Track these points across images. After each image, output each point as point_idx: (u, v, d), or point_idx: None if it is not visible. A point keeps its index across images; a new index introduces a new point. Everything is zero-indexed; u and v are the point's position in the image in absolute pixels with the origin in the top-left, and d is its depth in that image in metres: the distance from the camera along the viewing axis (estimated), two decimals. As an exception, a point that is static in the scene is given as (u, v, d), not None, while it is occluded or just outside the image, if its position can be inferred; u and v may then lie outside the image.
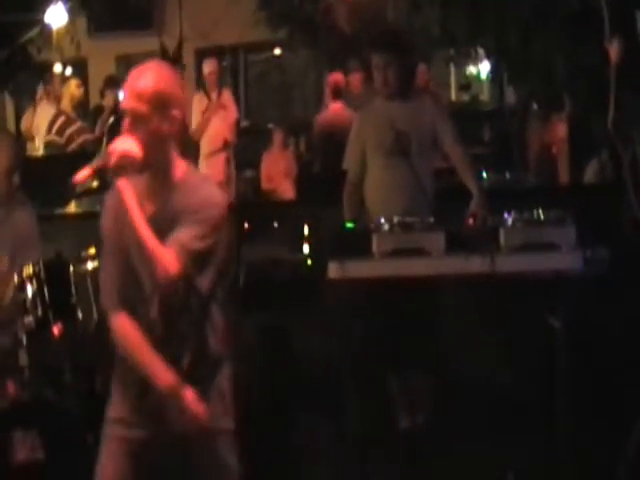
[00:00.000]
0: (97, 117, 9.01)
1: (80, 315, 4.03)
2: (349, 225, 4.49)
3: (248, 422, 2.88)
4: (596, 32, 4.27)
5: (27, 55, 6.29)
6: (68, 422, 3.92)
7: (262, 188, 8.99)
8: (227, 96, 9.17)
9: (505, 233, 4.20)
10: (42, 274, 4.01)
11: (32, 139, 8.95)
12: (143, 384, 2.71)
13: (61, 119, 8.29)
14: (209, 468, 2.75)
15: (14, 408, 3.90)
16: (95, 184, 5.95)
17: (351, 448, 4.10)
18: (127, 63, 11.99)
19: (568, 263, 4.04)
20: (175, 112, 2.68)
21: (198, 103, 8.96)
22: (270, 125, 9.98)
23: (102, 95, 8.81)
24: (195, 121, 8.94)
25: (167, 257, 2.59)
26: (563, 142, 8.61)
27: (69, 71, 9.85)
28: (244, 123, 11.46)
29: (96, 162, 2.65)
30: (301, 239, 4.43)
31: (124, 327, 2.73)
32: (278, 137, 9.19)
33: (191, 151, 8.49)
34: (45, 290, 4.00)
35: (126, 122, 2.68)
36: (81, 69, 10.97)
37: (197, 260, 2.64)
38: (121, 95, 8.65)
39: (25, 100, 8.87)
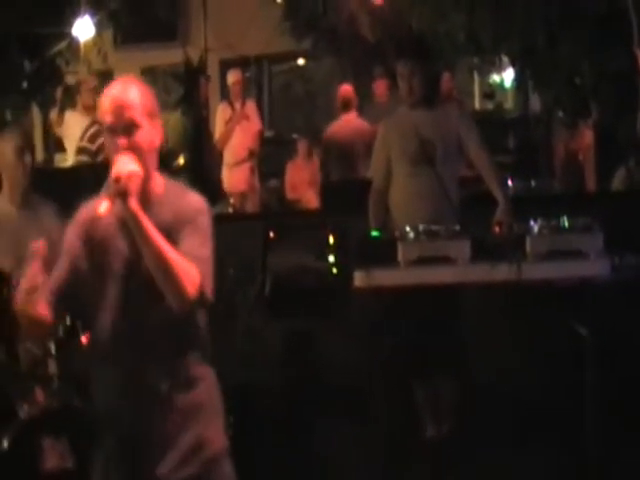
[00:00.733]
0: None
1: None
2: (374, 233, 4.50)
3: (272, 427, 2.87)
4: (623, 37, 4.24)
5: (55, 67, 6.37)
6: (95, 430, 3.94)
7: (286, 197, 9.02)
8: (251, 106, 9.22)
9: (531, 240, 4.19)
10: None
11: (62, 149, 9.03)
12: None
13: (94, 128, 8.37)
14: None
15: (43, 416, 3.91)
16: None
17: (375, 455, 4.09)
18: (152, 75, 12.10)
19: (595, 270, 4.02)
20: (158, 121, 2.67)
21: (222, 113, 9.02)
22: (294, 135, 10.01)
23: (128, 106, 8.83)
24: (219, 131, 9.00)
25: (191, 271, 2.52)
26: (589, 149, 8.57)
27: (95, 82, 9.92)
28: (268, 133, 11.51)
29: (108, 191, 2.53)
30: (326, 248, 4.43)
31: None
32: (302, 147, 9.23)
33: (214, 160, 8.55)
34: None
35: (117, 139, 2.60)
36: (108, 81, 11.06)
37: (205, 267, 2.57)
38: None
39: (53, 112, 8.95)
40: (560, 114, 8.89)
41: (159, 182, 2.69)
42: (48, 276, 2.72)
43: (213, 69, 11.06)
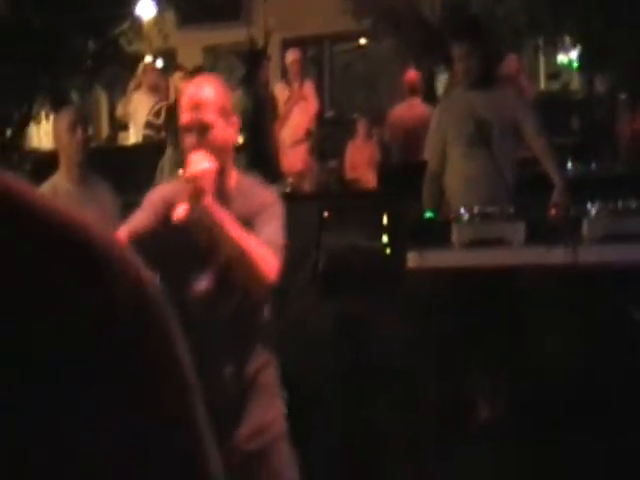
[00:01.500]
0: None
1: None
2: (429, 215, 4.49)
3: (322, 409, 2.90)
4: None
5: (118, 48, 6.47)
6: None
7: (345, 177, 9.02)
8: (309, 87, 9.21)
9: (588, 223, 4.15)
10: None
11: (126, 128, 9.17)
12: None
13: (159, 105, 8.52)
14: None
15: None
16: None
17: (427, 438, 4.10)
18: (214, 54, 12.19)
19: (652, 254, 3.97)
20: (234, 118, 2.72)
21: (280, 93, 9.04)
22: (354, 115, 10.00)
23: (189, 86, 8.93)
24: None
25: (270, 257, 2.58)
26: (654, 131, 8.39)
27: (160, 63, 10.05)
28: (329, 113, 11.50)
29: (185, 192, 2.58)
30: (380, 228, 4.44)
31: None
32: (362, 127, 9.19)
33: (273, 140, 8.59)
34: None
35: (192, 137, 2.65)
36: (171, 60, 11.18)
37: (280, 253, 2.63)
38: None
39: (117, 92, 9.09)
40: (623, 96, 8.72)
41: (234, 176, 2.74)
42: None
43: (275, 48, 11.08)
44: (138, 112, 8.61)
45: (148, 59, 9.35)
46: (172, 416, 0.55)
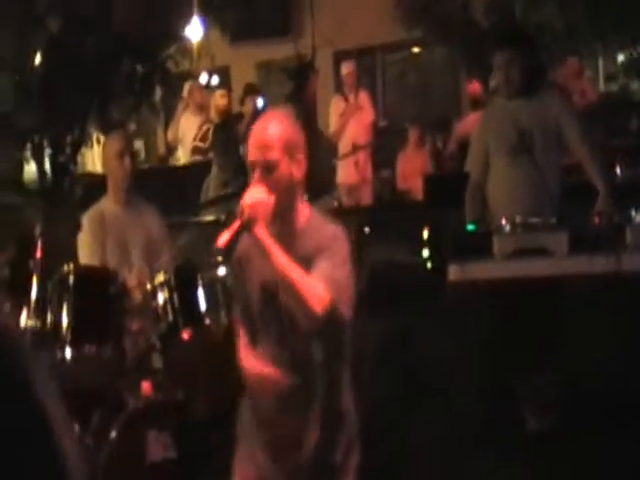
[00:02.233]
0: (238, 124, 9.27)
1: (208, 321, 4.13)
2: (470, 227, 4.47)
3: (368, 424, 2.92)
4: None
5: (165, 70, 6.58)
6: (195, 422, 4.07)
7: (397, 188, 9.00)
8: (364, 97, 9.23)
9: (632, 230, 4.08)
10: (172, 281, 4.15)
11: (176, 149, 9.32)
12: (274, 417, 2.78)
13: (206, 127, 8.65)
14: None
15: (149, 408, 4.07)
16: (223, 192, 6.14)
17: (474, 450, 4.08)
18: (267, 69, 12.28)
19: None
20: (301, 155, 2.76)
21: (336, 106, 9.07)
22: (406, 124, 9.99)
23: (242, 102, 9.06)
24: (333, 123, 9.05)
25: (319, 291, 2.61)
26: None
27: (215, 80, 10.18)
28: (382, 123, 11.50)
29: (233, 223, 2.68)
30: (421, 242, 4.44)
31: None
32: (414, 135, 9.17)
33: (328, 154, 8.62)
34: (175, 297, 4.13)
35: (256, 174, 2.72)
36: (224, 78, 11.32)
37: (341, 288, 2.67)
38: (260, 103, 8.80)
39: (165, 113, 9.23)
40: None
41: (304, 213, 2.79)
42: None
43: (327, 61, 11.13)
44: (186, 134, 8.75)
45: (203, 78, 9.48)
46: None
